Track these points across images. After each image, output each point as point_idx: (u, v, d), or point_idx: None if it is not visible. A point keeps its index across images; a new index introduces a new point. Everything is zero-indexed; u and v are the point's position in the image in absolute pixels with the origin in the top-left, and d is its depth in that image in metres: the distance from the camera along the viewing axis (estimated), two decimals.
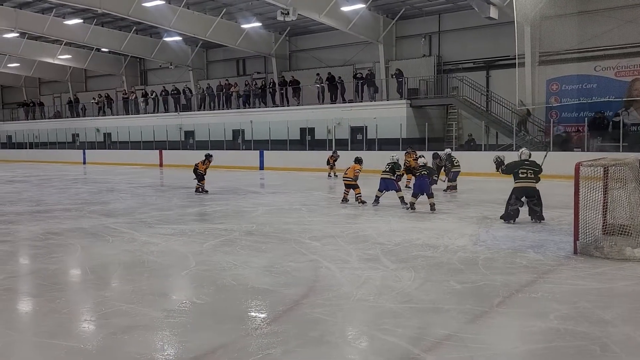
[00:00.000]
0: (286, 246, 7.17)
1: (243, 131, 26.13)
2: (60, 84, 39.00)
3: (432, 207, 10.15)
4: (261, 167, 24.12)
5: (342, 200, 11.65)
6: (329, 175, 18.91)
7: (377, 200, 11.15)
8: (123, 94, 33.77)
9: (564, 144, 18.41)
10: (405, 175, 14.44)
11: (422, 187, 10.28)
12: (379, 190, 11.18)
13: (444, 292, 5.05)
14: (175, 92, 30.23)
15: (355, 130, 22.77)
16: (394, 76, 23.25)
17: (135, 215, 10.26)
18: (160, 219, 9.82)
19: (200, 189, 14.02)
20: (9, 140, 38.12)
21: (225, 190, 14.78)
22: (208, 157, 14.25)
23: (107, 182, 18.21)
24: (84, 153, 32.03)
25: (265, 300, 4.89)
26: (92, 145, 32.35)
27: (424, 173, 10.38)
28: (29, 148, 35.60)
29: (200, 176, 13.97)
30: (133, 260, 6.48)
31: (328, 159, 19.11)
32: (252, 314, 4.64)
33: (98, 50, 31.85)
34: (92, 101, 34.78)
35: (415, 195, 10.37)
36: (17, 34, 27.48)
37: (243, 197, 13.27)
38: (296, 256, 6.57)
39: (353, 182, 11.41)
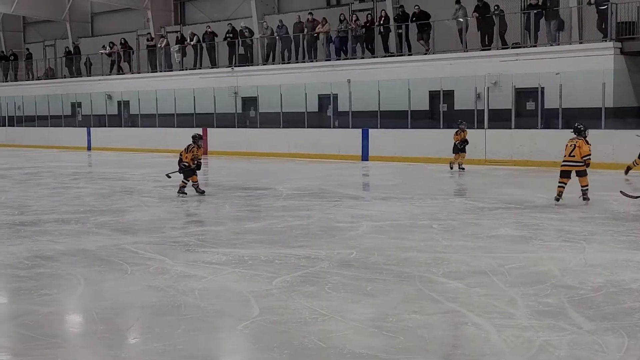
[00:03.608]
0: (406, 287, 7.17)
1: (335, 97, 26.39)
2: (54, 26, 41.15)
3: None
4: (364, 157, 24.25)
5: (558, 198, 12.24)
6: (451, 167, 18.99)
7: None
8: (148, 39, 34.94)
9: None
10: None
11: None
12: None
13: None
14: (229, 35, 30.95)
15: (523, 95, 22.34)
16: (594, 3, 22.44)
17: (166, 231, 10.62)
18: (204, 238, 10.12)
19: (196, 187, 14.43)
20: None
21: (306, 194, 15.03)
22: (195, 140, 14.33)
23: (122, 179, 19.09)
24: (89, 132, 33.64)
25: None
26: (101, 121, 33.86)
27: None
28: (8, 125, 37.97)
29: (187, 171, 14.25)
30: (163, 303, 6.70)
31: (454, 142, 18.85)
32: None
33: None
34: (101, 51, 36.15)
35: None
36: None
37: (335, 204, 13.42)
38: (423, 304, 6.55)
39: (583, 167, 12.03)
